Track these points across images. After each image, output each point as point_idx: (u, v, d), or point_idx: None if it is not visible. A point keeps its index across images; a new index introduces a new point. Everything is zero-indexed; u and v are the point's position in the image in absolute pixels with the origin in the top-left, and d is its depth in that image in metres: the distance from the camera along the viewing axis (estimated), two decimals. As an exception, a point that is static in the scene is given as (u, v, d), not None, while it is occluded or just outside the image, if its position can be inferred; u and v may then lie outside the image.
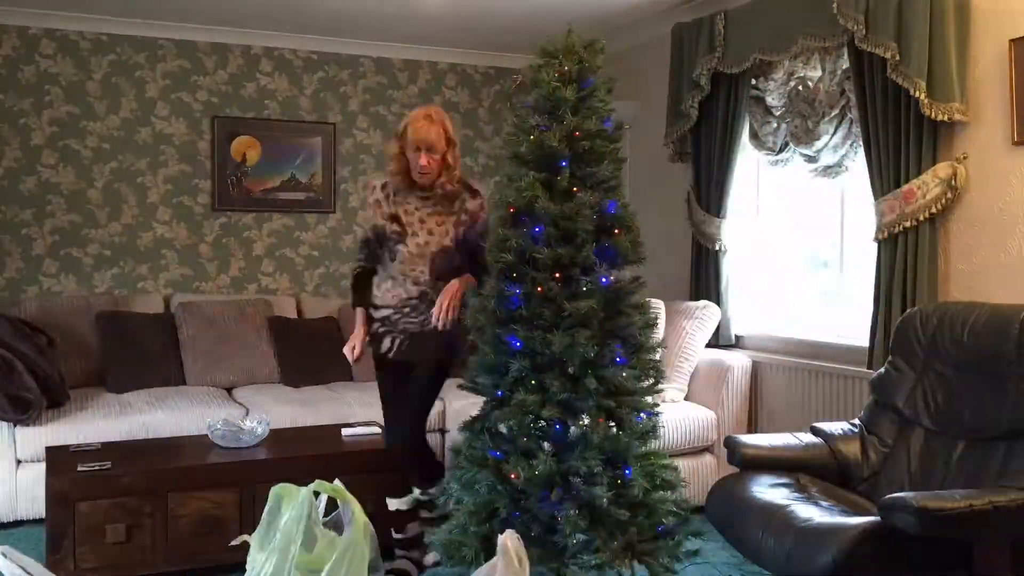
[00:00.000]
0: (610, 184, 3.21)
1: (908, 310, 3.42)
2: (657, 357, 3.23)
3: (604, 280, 3.09)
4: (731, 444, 3.32)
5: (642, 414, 3.17)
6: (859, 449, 3.30)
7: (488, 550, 3.15)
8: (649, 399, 3.20)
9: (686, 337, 4.54)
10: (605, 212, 3.14)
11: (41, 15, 5.17)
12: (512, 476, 3.07)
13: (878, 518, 2.60)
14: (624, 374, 3.10)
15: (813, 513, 2.84)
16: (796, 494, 3.05)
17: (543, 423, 3.10)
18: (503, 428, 3.18)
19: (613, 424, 3.08)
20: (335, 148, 5.88)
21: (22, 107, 5.21)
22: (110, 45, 5.38)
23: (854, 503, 3.10)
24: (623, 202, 3.21)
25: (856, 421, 3.41)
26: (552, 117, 3.19)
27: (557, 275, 3.09)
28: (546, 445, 3.09)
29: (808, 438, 3.37)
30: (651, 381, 3.21)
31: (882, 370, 3.42)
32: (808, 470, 3.25)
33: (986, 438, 2.96)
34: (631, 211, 3.22)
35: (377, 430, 4.12)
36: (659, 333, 3.39)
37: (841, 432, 3.36)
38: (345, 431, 4.09)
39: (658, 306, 4.26)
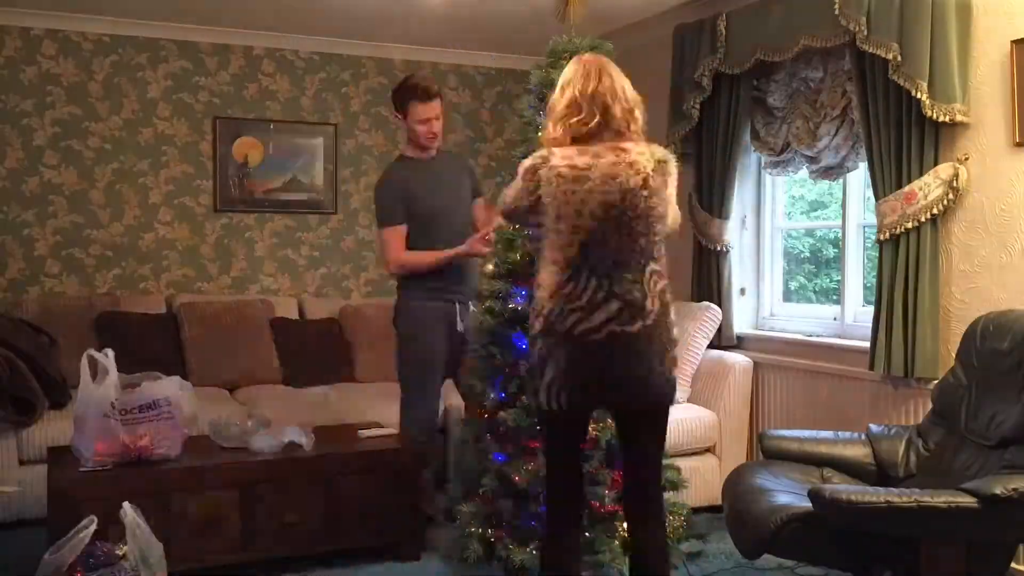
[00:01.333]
0: None
1: (977, 317, 3.27)
2: None
3: None
4: (762, 435, 3.41)
5: None
6: (902, 451, 3.26)
7: (490, 552, 3.15)
8: None
9: (688, 339, 4.53)
10: None
11: (43, 16, 5.17)
12: (516, 479, 3.08)
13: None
14: None
15: (783, 499, 2.90)
16: (804, 485, 3.05)
17: None
18: (502, 429, 3.17)
19: None
20: (337, 149, 5.88)
21: (24, 108, 5.22)
22: (112, 46, 5.38)
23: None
24: None
25: (910, 425, 3.40)
26: None
27: None
28: None
29: (849, 435, 3.38)
30: None
31: (943, 377, 3.36)
32: (839, 466, 3.26)
33: (992, 445, 2.93)
34: None
35: (389, 431, 4.12)
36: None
37: (887, 433, 3.35)
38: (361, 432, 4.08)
39: None
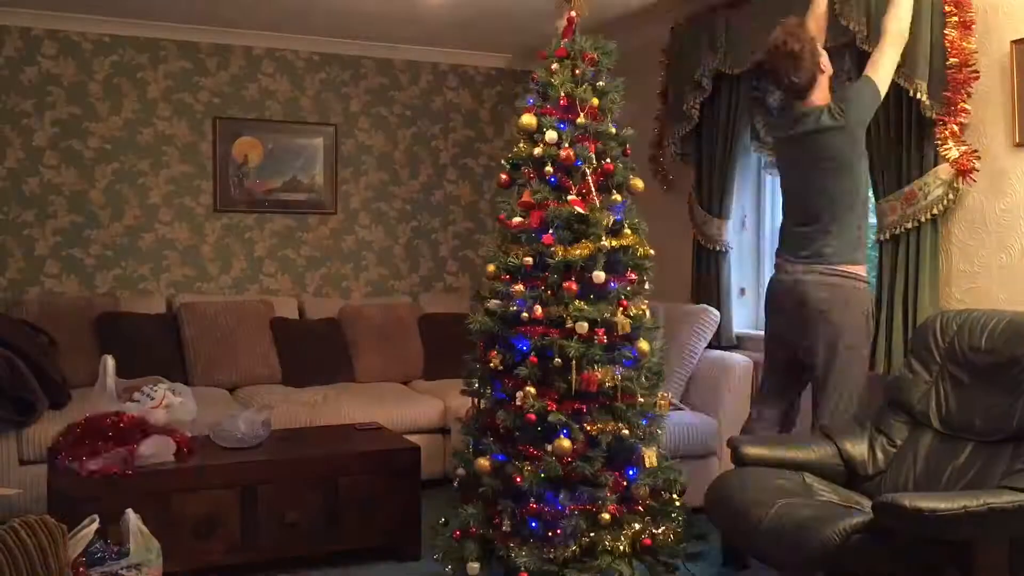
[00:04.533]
0: (621, 187, 3.22)
1: (930, 314, 3.38)
2: (658, 360, 3.24)
3: (613, 284, 3.10)
4: (732, 444, 3.29)
5: (647, 417, 3.17)
6: (866, 449, 3.28)
7: (489, 553, 3.14)
8: (652, 402, 3.20)
9: (685, 341, 4.52)
10: (614, 215, 3.13)
11: (43, 16, 5.17)
12: (517, 479, 3.06)
13: (871, 515, 2.60)
14: (631, 377, 3.10)
15: (809, 508, 2.84)
16: (796, 490, 3.05)
17: (547, 425, 3.06)
18: (502, 429, 3.16)
19: (622, 427, 3.08)
20: (337, 149, 5.88)
21: (24, 108, 5.22)
22: (112, 46, 5.38)
23: (857, 502, 3.09)
24: (630, 204, 3.22)
25: (866, 422, 3.40)
26: (566, 118, 3.18)
27: (569, 277, 3.08)
28: (550, 447, 3.05)
29: (814, 438, 3.36)
30: (653, 384, 3.21)
31: (897, 372, 3.41)
32: (812, 469, 3.24)
33: (995, 440, 2.95)
34: (637, 213, 3.23)
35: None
36: (661, 337, 3.39)
37: (849, 432, 3.35)
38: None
39: (657, 309, 4.25)
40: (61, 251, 5.32)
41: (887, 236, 3.70)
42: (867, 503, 2.99)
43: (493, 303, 3.22)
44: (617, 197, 3.18)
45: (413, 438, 4.40)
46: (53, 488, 3.41)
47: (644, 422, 3.16)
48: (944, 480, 3.03)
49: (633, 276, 3.19)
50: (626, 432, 3.08)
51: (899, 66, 3.52)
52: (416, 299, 5.94)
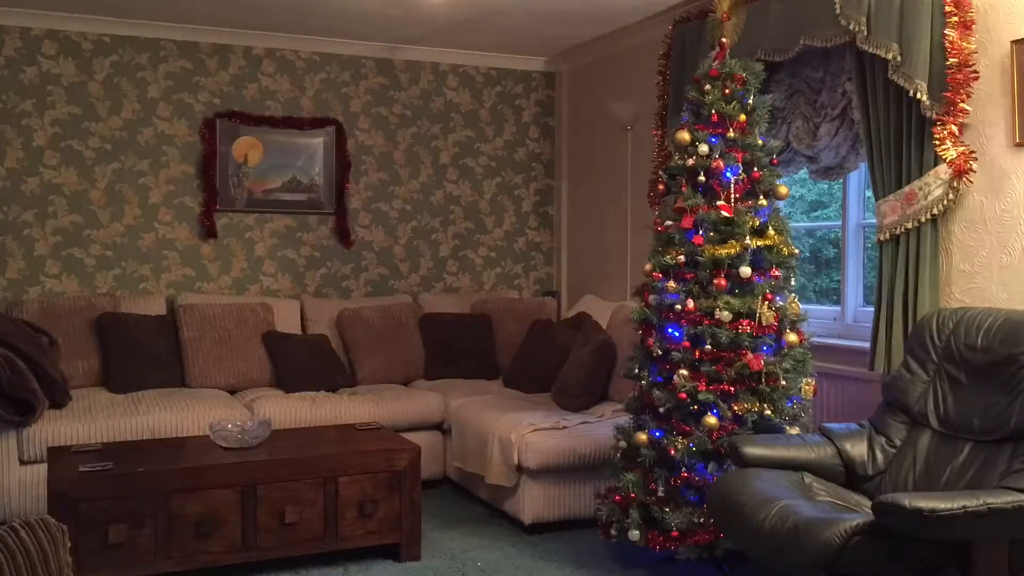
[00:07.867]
0: (768, 193, 3.58)
1: (926, 313, 3.41)
2: (804, 349, 3.54)
3: (758, 279, 3.47)
4: (732, 445, 3.26)
5: (792, 399, 3.50)
6: (866, 449, 3.29)
7: (648, 519, 3.54)
8: (797, 386, 3.51)
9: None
10: (760, 218, 3.52)
11: (43, 16, 5.17)
12: (671, 451, 3.45)
13: (871, 516, 2.59)
14: (774, 363, 3.42)
15: (810, 509, 2.83)
16: (796, 491, 3.04)
17: (699, 404, 3.43)
18: (662, 410, 3.53)
19: (766, 407, 3.42)
20: (337, 149, 5.88)
21: (24, 108, 5.22)
22: (112, 46, 5.39)
23: (857, 503, 3.10)
24: (775, 207, 3.61)
25: (865, 422, 3.40)
26: (716, 132, 3.57)
27: (718, 274, 3.44)
28: (709, 421, 3.40)
29: (814, 438, 3.35)
30: (797, 371, 3.51)
31: (894, 372, 3.42)
32: (813, 469, 3.24)
33: (993, 440, 2.96)
34: (782, 215, 3.61)
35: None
36: (804, 328, 3.61)
37: (848, 432, 3.35)
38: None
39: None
40: (61, 251, 5.32)
41: (887, 236, 3.70)
42: (867, 503, 3.00)
43: (651, 297, 3.61)
44: (763, 202, 3.55)
45: (413, 437, 4.41)
46: (53, 488, 3.41)
47: (789, 404, 3.47)
48: (943, 480, 3.04)
49: (777, 273, 3.53)
50: (770, 412, 3.42)
51: (899, 66, 3.53)
52: (416, 299, 5.95)
